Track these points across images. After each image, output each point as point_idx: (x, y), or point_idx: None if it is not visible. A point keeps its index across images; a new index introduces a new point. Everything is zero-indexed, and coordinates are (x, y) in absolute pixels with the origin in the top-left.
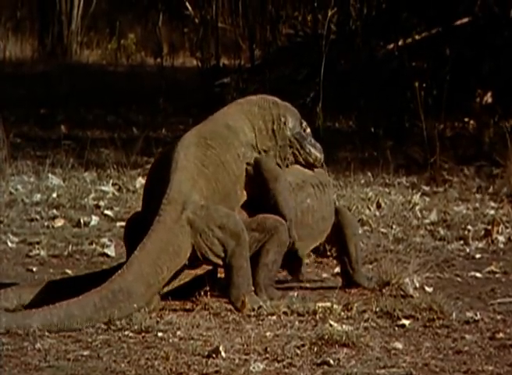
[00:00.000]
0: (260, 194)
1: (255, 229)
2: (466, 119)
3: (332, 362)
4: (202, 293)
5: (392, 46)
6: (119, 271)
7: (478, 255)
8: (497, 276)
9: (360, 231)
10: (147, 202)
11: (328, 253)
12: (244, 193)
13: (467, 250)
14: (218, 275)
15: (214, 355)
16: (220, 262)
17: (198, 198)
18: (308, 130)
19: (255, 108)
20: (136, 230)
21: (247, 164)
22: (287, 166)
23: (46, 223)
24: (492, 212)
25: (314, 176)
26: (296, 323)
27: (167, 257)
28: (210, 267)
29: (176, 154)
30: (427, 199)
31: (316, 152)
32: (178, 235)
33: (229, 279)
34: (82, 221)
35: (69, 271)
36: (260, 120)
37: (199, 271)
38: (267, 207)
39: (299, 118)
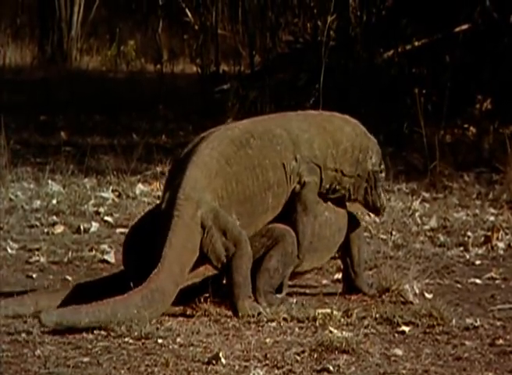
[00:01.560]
0: (288, 211)
1: (264, 234)
2: (466, 126)
3: (331, 368)
4: (202, 299)
5: (391, 52)
6: (155, 270)
7: (477, 262)
8: (497, 282)
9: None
10: (165, 187)
11: (336, 255)
12: (281, 204)
13: (467, 256)
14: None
15: (214, 362)
16: (219, 265)
17: (210, 199)
18: (383, 174)
19: (349, 128)
20: (139, 237)
21: (298, 183)
22: (353, 200)
23: (46, 230)
24: (492, 218)
25: None
26: (296, 329)
27: (188, 255)
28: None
29: (205, 145)
30: (427, 205)
31: (384, 199)
32: (194, 232)
33: (230, 278)
34: (82, 227)
35: (69, 277)
36: (348, 142)
37: (207, 271)
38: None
39: (381, 158)
